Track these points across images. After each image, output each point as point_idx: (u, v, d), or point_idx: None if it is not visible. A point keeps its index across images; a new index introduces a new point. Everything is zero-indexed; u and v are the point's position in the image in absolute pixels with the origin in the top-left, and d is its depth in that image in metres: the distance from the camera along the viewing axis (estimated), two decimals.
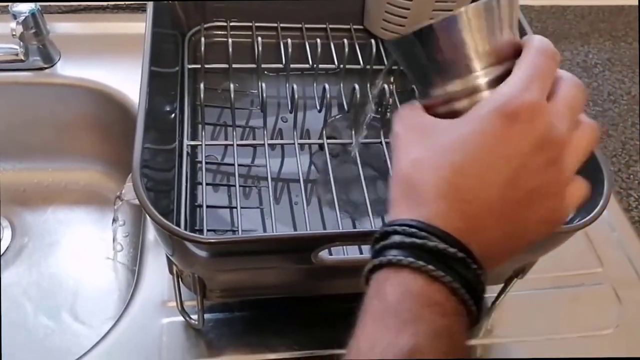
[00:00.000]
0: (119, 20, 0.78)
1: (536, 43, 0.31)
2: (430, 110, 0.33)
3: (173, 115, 0.57)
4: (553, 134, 0.29)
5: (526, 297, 0.57)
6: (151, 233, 0.58)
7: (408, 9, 0.64)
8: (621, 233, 0.64)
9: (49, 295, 0.67)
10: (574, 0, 0.94)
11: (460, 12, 0.30)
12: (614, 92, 0.82)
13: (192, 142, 0.57)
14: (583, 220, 0.42)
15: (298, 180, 0.55)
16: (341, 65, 0.65)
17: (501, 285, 0.53)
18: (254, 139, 0.63)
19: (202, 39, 0.64)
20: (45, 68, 0.72)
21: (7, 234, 0.72)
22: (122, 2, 0.80)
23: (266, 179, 0.55)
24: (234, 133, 0.60)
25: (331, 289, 0.52)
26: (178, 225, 0.45)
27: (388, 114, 0.62)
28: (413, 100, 0.35)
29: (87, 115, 0.73)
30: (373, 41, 0.64)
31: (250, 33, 0.67)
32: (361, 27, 0.70)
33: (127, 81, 0.70)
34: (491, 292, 0.56)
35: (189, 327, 0.52)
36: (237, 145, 0.58)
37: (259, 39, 0.64)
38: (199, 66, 0.63)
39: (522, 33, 0.54)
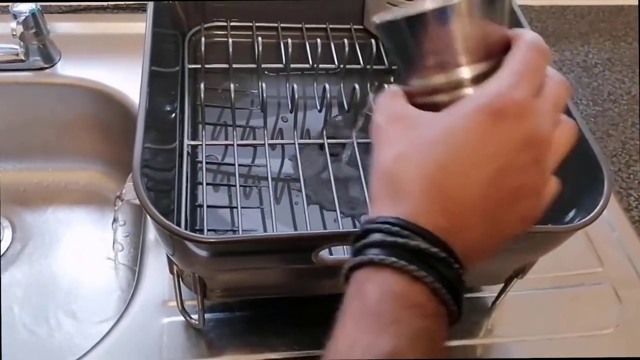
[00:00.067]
0: (119, 20, 0.78)
1: (527, 39, 0.31)
2: (410, 98, 0.32)
3: (173, 115, 0.57)
4: (538, 133, 0.29)
5: (526, 297, 0.57)
6: (151, 233, 0.58)
7: None
8: (621, 233, 0.64)
9: (49, 295, 0.67)
10: (574, 0, 0.94)
11: (454, 3, 0.29)
12: (614, 92, 0.82)
13: (193, 142, 0.57)
14: (583, 220, 0.42)
15: (298, 180, 0.55)
16: (341, 65, 0.65)
17: (501, 285, 0.53)
18: (254, 138, 0.63)
19: (203, 39, 0.64)
20: (46, 68, 0.72)
21: (7, 234, 0.72)
22: (123, 2, 0.80)
23: (266, 178, 0.55)
24: (235, 133, 0.60)
25: (332, 288, 0.52)
26: (178, 225, 0.45)
27: None
28: (393, 85, 0.34)
29: (88, 115, 0.73)
30: (373, 41, 0.64)
31: (250, 33, 0.67)
32: (361, 27, 0.70)
33: (128, 81, 0.70)
34: (491, 292, 0.56)
35: (190, 327, 0.52)
36: (238, 145, 0.58)
37: (259, 38, 0.64)
38: (199, 66, 0.63)
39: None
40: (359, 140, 0.58)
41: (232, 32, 0.66)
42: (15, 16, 0.67)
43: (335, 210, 0.53)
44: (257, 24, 0.67)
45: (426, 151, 0.29)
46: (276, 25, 0.67)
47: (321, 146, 0.61)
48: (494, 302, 0.55)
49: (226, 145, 0.61)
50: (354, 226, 0.56)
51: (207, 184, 0.56)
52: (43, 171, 0.77)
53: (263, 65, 0.64)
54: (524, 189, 0.30)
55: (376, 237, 0.29)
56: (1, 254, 0.70)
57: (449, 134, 0.29)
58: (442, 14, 0.30)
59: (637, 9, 0.94)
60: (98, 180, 0.77)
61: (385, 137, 0.31)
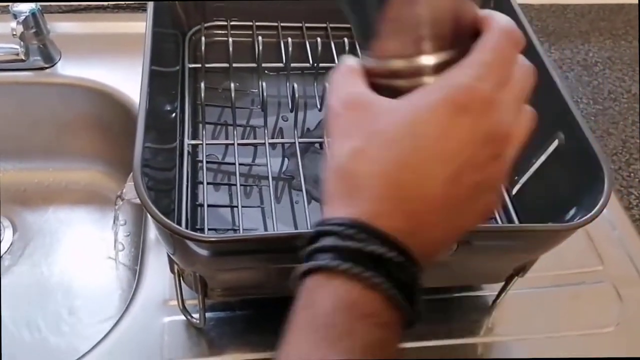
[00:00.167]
0: (120, 20, 0.78)
1: (499, 25, 0.28)
2: (369, 76, 0.30)
3: (174, 114, 0.57)
4: (501, 128, 0.28)
5: (527, 296, 0.57)
6: (152, 232, 0.58)
7: None
8: (622, 231, 0.64)
9: (49, 294, 0.67)
10: None
11: None
12: (614, 90, 0.82)
13: (193, 142, 0.57)
14: (584, 219, 0.42)
15: (299, 179, 0.56)
16: None
17: (502, 284, 0.53)
18: (254, 138, 0.63)
19: (203, 38, 0.64)
20: (46, 68, 0.71)
21: (8, 233, 0.72)
22: (123, 2, 0.80)
23: (267, 178, 0.55)
24: (235, 132, 0.60)
25: None
26: (179, 224, 0.45)
27: None
28: (350, 57, 0.31)
29: (88, 114, 0.73)
30: None
31: (250, 32, 0.67)
32: None
33: (128, 81, 0.70)
34: (492, 290, 0.56)
35: (191, 326, 0.52)
36: (238, 144, 0.58)
37: (260, 38, 0.64)
38: (199, 65, 0.63)
39: (523, 34, 0.54)
40: None
41: (232, 32, 0.66)
42: (15, 16, 0.67)
43: None
44: (257, 24, 0.67)
45: (385, 146, 0.27)
46: (276, 24, 0.67)
47: (322, 145, 0.61)
48: (494, 301, 0.55)
49: (226, 145, 0.61)
50: None
51: (208, 183, 0.56)
52: (44, 171, 0.77)
53: (263, 65, 0.64)
54: (484, 184, 0.28)
55: (329, 240, 0.27)
56: (2, 253, 0.70)
57: (409, 128, 0.27)
58: None
59: (638, 8, 0.94)
60: (99, 179, 0.77)
61: (341, 126, 0.29)
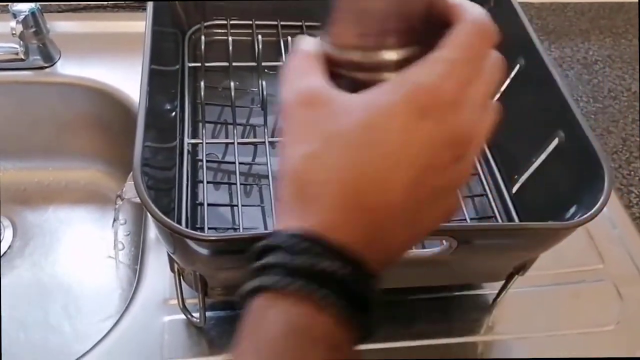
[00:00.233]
0: (119, 19, 0.78)
1: (471, 18, 0.26)
2: (328, 63, 0.28)
3: (173, 113, 0.57)
4: (464, 130, 0.26)
5: (527, 294, 0.57)
6: (152, 231, 0.58)
7: None
8: (622, 230, 0.64)
9: (50, 294, 0.67)
10: None
11: None
12: (614, 88, 0.82)
13: (193, 141, 0.57)
14: (584, 217, 0.42)
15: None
16: None
17: (502, 282, 0.53)
18: (254, 137, 0.63)
19: (203, 37, 0.64)
20: (46, 67, 0.71)
21: (8, 233, 0.72)
22: (122, 1, 0.80)
23: (267, 176, 0.55)
24: (235, 131, 0.60)
25: None
26: (179, 223, 0.45)
27: None
28: (307, 38, 0.29)
29: (88, 114, 0.73)
30: None
31: (250, 31, 0.66)
32: None
33: (128, 80, 0.70)
34: (492, 289, 0.56)
35: (191, 325, 0.52)
36: (238, 143, 0.58)
37: (259, 37, 0.64)
38: (199, 64, 0.63)
39: (523, 33, 0.54)
40: None
41: (232, 31, 0.66)
42: (14, 15, 0.67)
43: None
44: (257, 22, 0.67)
45: (342, 152, 0.25)
46: (276, 23, 0.67)
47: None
48: (494, 299, 0.55)
49: (226, 144, 0.61)
50: None
51: (208, 182, 0.56)
52: (43, 170, 0.77)
53: (263, 63, 0.64)
54: (445, 187, 0.27)
55: (279, 256, 0.25)
56: (2, 253, 0.70)
57: (367, 131, 0.25)
58: None
59: (637, 6, 0.94)
60: (99, 179, 0.77)
61: (295, 126, 0.27)
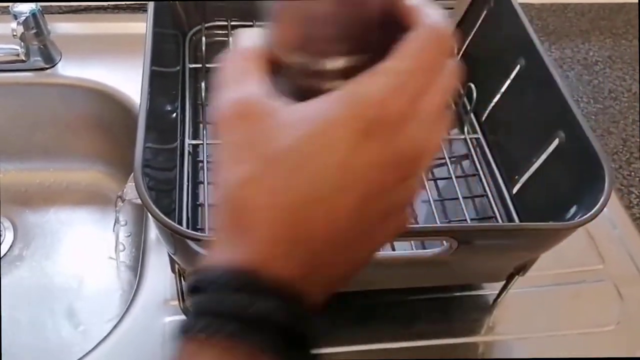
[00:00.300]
0: (120, 21, 0.78)
1: (428, 24, 0.24)
2: (270, 63, 0.25)
3: (174, 114, 0.57)
4: (413, 148, 0.24)
5: (527, 294, 0.57)
6: (153, 232, 0.58)
7: None
8: (622, 230, 0.64)
9: (50, 295, 0.67)
10: None
11: None
12: (614, 89, 0.82)
13: (194, 141, 0.57)
14: (584, 217, 0.42)
15: None
16: None
17: (502, 283, 0.53)
18: None
19: (203, 38, 0.64)
20: (46, 68, 0.72)
21: (9, 234, 0.72)
22: (123, 2, 0.80)
23: None
24: None
25: None
26: (180, 224, 0.45)
27: None
28: (248, 33, 0.26)
29: (89, 115, 0.74)
30: None
31: None
32: None
33: (128, 81, 0.70)
34: (492, 289, 0.56)
35: None
36: None
37: None
38: (200, 65, 0.63)
39: (524, 34, 0.54)
40: None
41: (232, 32, 0.66)
42: (15, 16, 0.67)
43: None
44: (257, 23, 0.67)
45: (281, 175, 0.23)
46: None
47: None
48: (495, 300, 0.55)
49: None
50: None
51: (209, 183, 0.56)
52: (44, 171, 0.77)
53: None
54: (392, 208, 0.25)
55: (209, 297, 0.22)
56: (3, 254, 0.70)
57: (308, 151, 0.23)
58: None
59: (638, 7, 0.94)
60: (99, 180, 0.77)
61: (231, 143, 0.24)
